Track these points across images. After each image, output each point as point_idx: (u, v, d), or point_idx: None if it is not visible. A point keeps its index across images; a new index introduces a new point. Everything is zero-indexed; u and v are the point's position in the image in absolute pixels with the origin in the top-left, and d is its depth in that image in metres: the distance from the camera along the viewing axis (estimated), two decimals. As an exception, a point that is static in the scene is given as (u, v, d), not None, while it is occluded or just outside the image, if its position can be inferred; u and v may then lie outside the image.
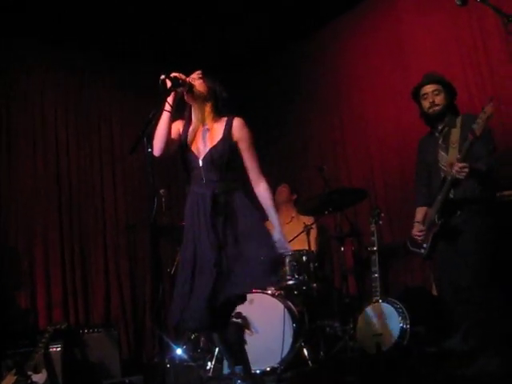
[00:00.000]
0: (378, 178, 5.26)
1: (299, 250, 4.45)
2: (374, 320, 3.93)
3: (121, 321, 5.39)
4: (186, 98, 2.84)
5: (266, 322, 3.95)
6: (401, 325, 3.79)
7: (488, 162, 3.08)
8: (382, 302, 3.97)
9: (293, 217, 5.12)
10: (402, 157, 4.95)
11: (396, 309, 3.87)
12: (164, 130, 2.74)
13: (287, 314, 3.97)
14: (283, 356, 3.85)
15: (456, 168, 3.01)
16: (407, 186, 4.72)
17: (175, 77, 2.69)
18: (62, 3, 4.85)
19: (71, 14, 5.03)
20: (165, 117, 2.74)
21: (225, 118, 2.86)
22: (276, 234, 2.82)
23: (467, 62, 4.53)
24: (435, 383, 3.10)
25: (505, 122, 4.24)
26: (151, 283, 5.54)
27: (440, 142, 3.31)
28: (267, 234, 2.77)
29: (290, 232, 4.85)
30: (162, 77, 2.66)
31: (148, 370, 4.78)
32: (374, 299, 4.03)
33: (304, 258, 4.39)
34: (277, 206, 5.16)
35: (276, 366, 3.85)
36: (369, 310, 4.03)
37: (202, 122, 2.85)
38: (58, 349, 4.11)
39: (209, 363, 4.01)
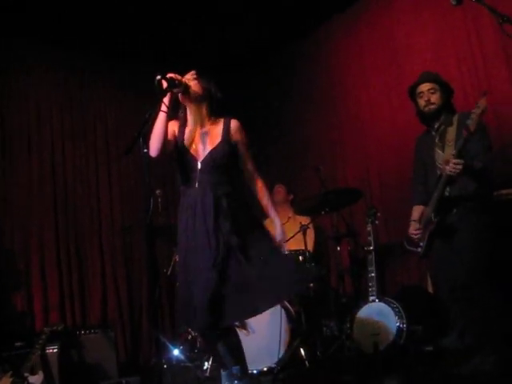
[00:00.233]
0: (374, 178, 5.28)
1: (296, 250, 4.45)
2: (371, 319, 3.93)
3: (117, 322, 5.38)
4: (181, 99, 2.83)
5: (263, 322, 3.95)
6: (397, 324, 3.80)
7: (483, 160, 3.09)
8: (379, 301, 3.98)
9: (289, 217, 5.11)
10: (398, 156, 4.96)
11: (392, 308, 3.87)
12: (161, 130, 2.73)
13: (284, 314, 3.98)
14: (280, 356, 3.86)
15: (450, 164, 3.01)
16: (403, 185, 4.71)
17: (171, 77, 2.68)
18: (60, 2, 4.84)
19: (70, 13, 5.02)
20: (161, 117, 2.73)
21: (221, 120, 2.87)
22: (278, 233, 2.91)
23: (462, 61, 4.54)
24: (432, 382, 3.11)
25: (501, 122, 4.26)
26: (148, 284, 5.53)
27: (436, 140, 3.32)
28: (277, 247, 2.88)
29: (286, 232, 4.85)
30: (158, 77, 2.65)
31: (145, 371, 4.78)
32: (371, 299, 4.03)
33: (300, 257, 4.39)
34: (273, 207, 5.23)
35: (273, 365, 3.85)
36: (365, 309, 4.03)
37: (199, 123, 2.85)
38: (55, 350, 4.11)
39: (206, 363, 4.01)
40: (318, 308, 4.53)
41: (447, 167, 3.04)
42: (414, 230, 3.37)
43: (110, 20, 5.19)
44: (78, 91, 5.74)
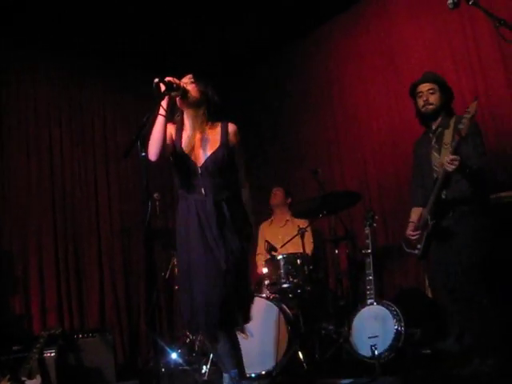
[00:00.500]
0: (372, 180, 5.28)
1: (294, 253, 4.45)
2: (369, 322, 3.93)
3: (115, 325, 5.37)
4: (179, 103, 2.83)
5: (261, 326, 3.95)
6: (395, 327, 3.79)
7: (477, 163, 3.09)
8: (377, 304, 3.97)
9: (287, 220, 5.13)
10: (396, 158, 4.97)
11: (391, 311, 3.87)
12: (160, 134, 2.73)
13: (282, 317, 3.98)
14: (278, 359, 3.86)
15: (447, 159, 3.02)
16: (401, 188, 4.74)
17: (169, 81, 2.68)
18: (59, 2, 4.83)
19: (69, 13, 5.01)
20: (160, 121, 2.73)
21: (219, 124, 2.88)
22: None
23: (459, 64, 4.55)
24: (430, 385, 3.11)
25: (498, 124, 4.27)
26: (146, 287, 5.52)
27: (433, 142, 3.32)
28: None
29: (284, 235, 4.87)
30: (156, 80, 2.65)
31: (143, 374, 4.77)
32: (369, 302, 4.03)
33: (298, 260, 4.39)
34: (272, 209, 5.24)
35: (271, 369, 3.85)
36: (363, 312, 4.03)
37: (197, 128, 2.85)
38: (53, 354, 4.10)
39: (204, 367, 4.00)
40: (316, 311, 4.54)
41: (444, 162, 3.04)
42: (411, 231, 3.37)
43: (110, 20, 5.19)
44: (76, 92, 5.73)
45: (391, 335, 3.78)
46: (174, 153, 2.85)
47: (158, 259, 5.40)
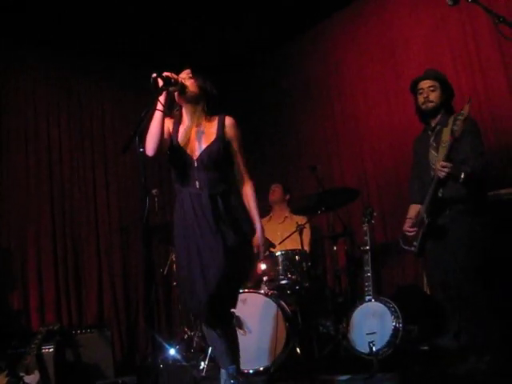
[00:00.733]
0: (370, 177, 5.28)
1: (292, 250, 4.45)
2: (367, 319, 3.94)
3: (114, 321, 5.37)
4: (177, 99, 2.82)
5: (259, 322, 3.95)
6: (393, 323, 3.80)
7: (473, 165, 3.09)
8: (375, 301, 3.98)
9: (286, 216, 5.13)
10: (394, 155, 4.97)
11: (389, 308, 3.87)
12: (157, 129, 2.71)
13: (280, 314, 3.98)
14: (276, 355, 3.86)
15: (438, 166, 3.03)
16: (400, 184, 4.74)
17: (167, 76, 2.66)
18: (58, 2, 4.82)
19: (69, 13, 5.00)
20: (158, 116, 2.71)
21: (216, 117, 2.86)
22: (258, 236, 2.84)
23: (459, 61, 4.54)
24: (428, 381, 3.12)
25: (497, 123, 4.27)
26: (144, 283, 5.52)
27: (431, 140, 3.32)
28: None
29: (283, 231, 4.87)
30: (154, 75, 2.63)
31: (141, 370, 4.78)
32: (367, 298, 4.03)
33: (297, 257, 4.38)
34: (270, 206, 5.24)
35: (269, 365, 3.85)
36: (362, 309, 4.03)
37: (195, 122, 2.84)
38: (51, 350, 4.09)
39: (202, 363, 4.00)
40: (314, 307, 4.54)
41: (436, 169, 3.05)
42: (408, 226, 3.37)
43: (110, 20, 5.18)
44: (76, 91, 5.72)
45: (389, 332, 3.79)
46: (170, 146, 2.83)
47: (157, 255, 5.41)
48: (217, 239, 2.68)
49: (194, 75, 2.84)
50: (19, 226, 5.08)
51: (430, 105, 3.31)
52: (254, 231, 2.83)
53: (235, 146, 2.86)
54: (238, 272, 2.76)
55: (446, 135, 3.16)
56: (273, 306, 4.01)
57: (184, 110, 2.88)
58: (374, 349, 3.69)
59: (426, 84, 3.34)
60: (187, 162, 2.79)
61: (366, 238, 4.28)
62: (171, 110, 2.86)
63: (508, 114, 4.21)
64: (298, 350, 3.96)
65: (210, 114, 2.85)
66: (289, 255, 4.37)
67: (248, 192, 2.89)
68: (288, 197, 5.24)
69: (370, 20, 5.33)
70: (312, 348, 4.13)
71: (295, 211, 4.99)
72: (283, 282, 4.34)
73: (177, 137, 2.84)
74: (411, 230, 3.34)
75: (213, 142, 2.79)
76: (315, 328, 4.31)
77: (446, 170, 3.00)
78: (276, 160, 6.29)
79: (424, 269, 4.37)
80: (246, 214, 2.84)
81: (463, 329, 3.19)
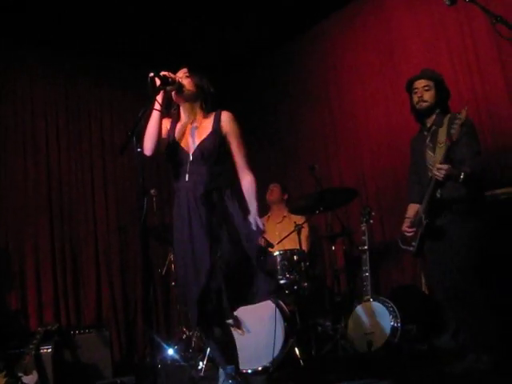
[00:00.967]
0: (369, 177, 5.28)
1: (290, 250, 4.45)
2: (365, 319, 3.94)
3: (112, 321, 5.37)
4: (174, 98, 2.82)
5: (258, 322, 3.94)
6: (392, 323, 3.80)
7: (471, 165, 3.08)
8: (373, 300, 3.98)
9: (284, 216, 5.13)
10: (393, 155, 4.97)
11: (387, 307, 3.88)
12: (154, 129, 2.71)
13: (278, 314, 3.97)
14: (275, 355, 3.84)
15: (435, 169, 3.03)
16: (398, 184, 4.74)
17: (164, 75, 2.66)
18: (58, 2, 4.81)
19: (69, 13, 5.00)
20: (155, 116, 2.71)
21: (213, 113, 2.86)
22: (251, 217, 2.78)
23: (457, 61, 4.55)
24: (426, 381, 3.11)
25: (495, 122, 4.27)
26: (142, 284, 5.51)
27: (427, 141, 3.31)
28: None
29: (281, 231, 4.87)
30: (151, 74, 2.63)
31: (140, 370, 4.78)
32: (365, 298, 4.04)
33: (295, 257, 4.38)
34: (268, 206, 5.24)
35: (267, 365, 3.84)
36: (360, 308, 4.04)
37: (193, 120, 2.84)
38: (49, 350, 4.09)
39: (200, 363, 4.00)
40: (313, 307, 4.54)
41: (433, 171, 3.06)
42: (407, 226, 3.37)
43: (110, 20, 5.18)
44: (74, 92, 5.72)
45: (387, 331, 3.79)
46: (167, 144, 2.83)
47: (155, 256, 5.40)
48: (205, 236, 2.66)
49: (191, 74, 2.84)
50: (17, 226, 5.08)
51: (424, 104, 3.30)
52: (250, 234, 2.80)
53: (233, 139, 2.83)
54: (231, 270, 2.71)
55: (441, 136, 3.16)
56: (271, 305, 4.01)
57: (182, 109, 2.88)
58: (372, 348, 3.70)
59: (420, 83, 3.33)
60: (183, 158, 2.79)
61: (364, 237, 4.28)
62: (169, 110, 2.85)
63: (506, 113, 4.21)
64: (297, 349, 3.96)
65: (207, 111, 2.85)
66: (287, 255, 4.37)
67: (246, 184, 2.86)
68: (286, 196, 5.24)
69: (368, 20, 5.33)
70: (310, 348, 4.13)
71: (293, 211, 4.99)
72: (281, 281, 4.33)
73: (173, 134, 2.84)
74: (410, 230, 3.34)
75: (207, 136, 2.78)
76: (314, 328, 4.31)
77: (442, 172, 3.00)
78: (275, 159, 6.29)
79: (422, 269, 4.37)
80: (243, 214, 2.80)
81: (461, 328, 3.19)
